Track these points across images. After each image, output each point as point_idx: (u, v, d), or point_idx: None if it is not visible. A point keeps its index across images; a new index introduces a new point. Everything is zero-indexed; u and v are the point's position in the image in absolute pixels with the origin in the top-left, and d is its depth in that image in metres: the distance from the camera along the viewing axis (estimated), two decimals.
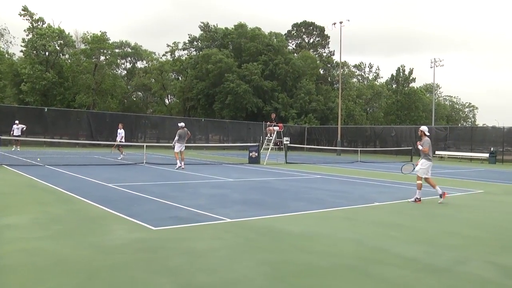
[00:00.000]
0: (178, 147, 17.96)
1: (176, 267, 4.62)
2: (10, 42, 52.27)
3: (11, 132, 24.81)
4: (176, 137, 18.13)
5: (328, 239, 6.18)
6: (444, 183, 15.55)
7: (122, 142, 22.02)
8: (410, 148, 35.36)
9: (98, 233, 6.08)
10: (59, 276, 4.24)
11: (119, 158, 21.25)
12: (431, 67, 58.68)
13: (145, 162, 19.61)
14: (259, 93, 52.05)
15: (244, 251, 5.41)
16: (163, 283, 4.14)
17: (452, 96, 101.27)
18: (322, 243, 5.94)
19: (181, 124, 18.74)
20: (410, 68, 72.11)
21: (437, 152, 38.19)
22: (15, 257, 4.81)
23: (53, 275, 4.27)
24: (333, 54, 67.89)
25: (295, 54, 60.18)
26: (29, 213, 7.25)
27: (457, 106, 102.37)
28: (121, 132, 21.54)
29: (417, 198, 10.24)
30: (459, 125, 79.73)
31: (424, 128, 10.82)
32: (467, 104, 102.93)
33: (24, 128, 25.91)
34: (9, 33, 50.97)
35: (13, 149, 24.76)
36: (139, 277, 4.30)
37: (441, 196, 10.24)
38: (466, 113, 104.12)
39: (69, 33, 47.43)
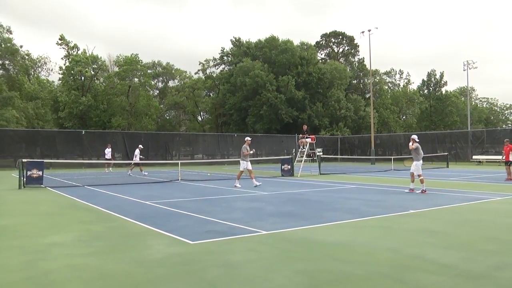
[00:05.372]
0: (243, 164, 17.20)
1: (214, 279, 4.75)
2: (51, 70, 54.82)
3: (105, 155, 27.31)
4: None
5: (363, 248, 6.19)
6: (482, 188, 15.21)
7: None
8: (446, 153, 34.65)
9: (138, 248, 6.27)
10: None
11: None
12: (464, 70, 57.45)
13: (180, 179, 19.98)
14: (292, 103, 52.34)
15: (280, 261, 5.49)
16: None
17: (490, 98, 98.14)
18: (357, 252, 5.96)
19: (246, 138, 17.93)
20: (441, 72, 70.73)
21: (474, 157, 37.24)
22: (62, 272, 5.05)
23: None
24: (363, 61, 67.53)
25: (325, 64, 60.08)
26: (73, 232, 7.56)
27: (496, 109, 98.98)
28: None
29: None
30: (499, 128, 77.18)
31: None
32: (508, 106, 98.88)
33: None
34: (50, 61, 53.43)
35: (106, 171, 27.42)
36: None
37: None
38: (506, 115, 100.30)
39: (101, 57, 49.22)
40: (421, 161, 14.11)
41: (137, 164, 25.46)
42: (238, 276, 4.85)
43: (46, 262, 5.51)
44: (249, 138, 17.67)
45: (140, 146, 25.87)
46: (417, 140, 14.19)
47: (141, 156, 25.47)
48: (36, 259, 5.66)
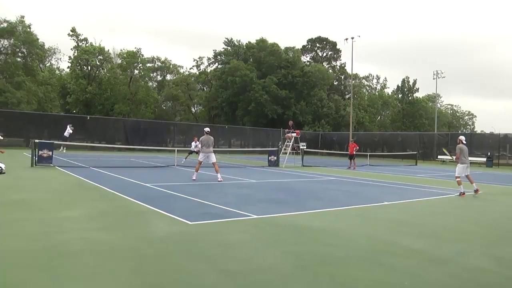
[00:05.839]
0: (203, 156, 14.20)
1: (212, 256, 4.81)
2: (60, 59, 53.99)
3: None
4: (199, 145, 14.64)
5: (344, 234, 6.32)
6: (446, 184, 15.50)
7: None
8: (415, 152, 35.10)
9: (142, 226, 6.29)
10: (114, 261, 4.50)
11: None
12: (433, 79, 58.25)
13: (176, 165, 19.95)
14: (278, 101, 52.38)
15: (270, 243, 5.58)
16: (203, 269, 4.35)
17: (453, 105, 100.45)
18: (339, 237, 6.08)
19: (206, 129, 14.58)
20: (413, 79, 72.45)
21: (439, 157, 37.78)
22: (76, 244, 5.09)
23: (109, 260, 4.53)
24: (345, 66, 67.72)
25: (309, 67, 60.05)
26: (82, 208, 7.54)
27: (458, 114, 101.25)
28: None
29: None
30: (459, 131, 78.55)
31: None
32: (466, 112, 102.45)
33: None
34: (60, 51, 52.56)
35: None
36: (181, 263, 4.53)
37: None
38: (465, 120, 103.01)
39: (108, 50, 48.56)
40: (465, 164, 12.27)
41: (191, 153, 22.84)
42: (234, 255, 4.93)
43: (61, 234, 5.52)
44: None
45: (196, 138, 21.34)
46: (464, 142, 12.29)
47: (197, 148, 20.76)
48: (52, 231, 5.67)
